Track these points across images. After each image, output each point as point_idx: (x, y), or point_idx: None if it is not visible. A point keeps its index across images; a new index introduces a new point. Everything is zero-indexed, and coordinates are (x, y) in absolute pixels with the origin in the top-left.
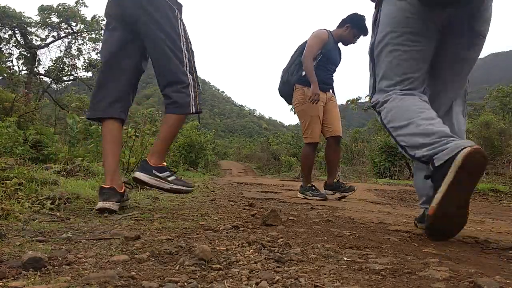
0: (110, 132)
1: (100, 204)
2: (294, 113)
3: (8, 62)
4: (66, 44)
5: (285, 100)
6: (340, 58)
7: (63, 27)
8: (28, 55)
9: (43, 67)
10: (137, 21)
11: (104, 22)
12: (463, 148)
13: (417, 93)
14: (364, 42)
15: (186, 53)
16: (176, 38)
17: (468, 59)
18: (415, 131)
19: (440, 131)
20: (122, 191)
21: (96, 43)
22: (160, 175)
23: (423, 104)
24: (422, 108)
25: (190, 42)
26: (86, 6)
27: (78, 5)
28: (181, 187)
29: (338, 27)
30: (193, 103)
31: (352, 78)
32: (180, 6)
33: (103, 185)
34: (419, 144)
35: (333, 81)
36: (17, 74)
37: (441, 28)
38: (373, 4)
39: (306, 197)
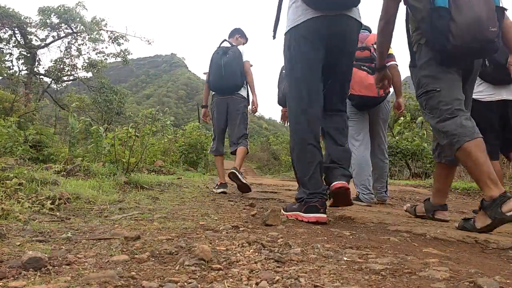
0: None
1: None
2: None
3: (8, 62)
4: (66, 44)
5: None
6: None
7: (62, 27)
8: (28, 55)
9: (43, 67)
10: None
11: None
12: None
13: None
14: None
15: None
16: None
17: None
18: None
19: None
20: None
21: (96, 43)
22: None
23: None
24: None
25: None
26: (86, 9)
27: (78, 7)
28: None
29: None
30: None
31: None
32: None
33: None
34: None
35: None
36: (16, 74)
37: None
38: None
39: None
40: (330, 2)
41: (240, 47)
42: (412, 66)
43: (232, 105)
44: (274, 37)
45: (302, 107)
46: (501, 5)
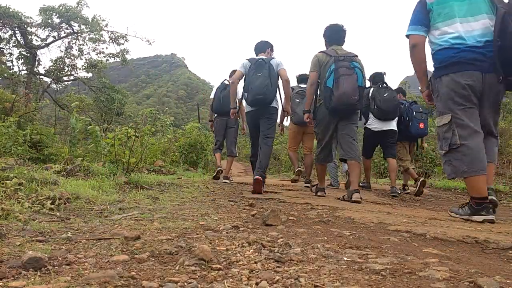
0: None
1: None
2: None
3: (8, 62)
4: (67, 44)
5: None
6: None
7: (63, 27)
8: (28, 55)
9: (43, 67)
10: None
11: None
12: None
13: None
14: (364, 45)
15: None
16: None
17: None
18: None
19: None
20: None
21: (96, 44)
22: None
23: None
24: None
25: None
26: (88, 7)
27: (79, 5)
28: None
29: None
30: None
31: None
32: None
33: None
34: None
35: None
36: (16, 74)
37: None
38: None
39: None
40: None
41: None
42: (314, 116)
43: (225, 124)
44: None
45: None
46: (362, 85)
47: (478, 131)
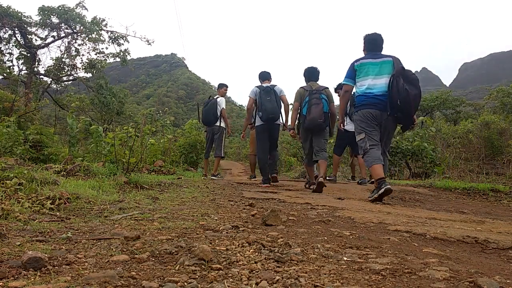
0: None
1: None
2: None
3: (8, 62)
4: (66, 44)
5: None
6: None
7: (63, 27)
8: (28, 55)
9: (43, 67)
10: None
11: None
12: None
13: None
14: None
15: None
16: None
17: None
18: None
19: None
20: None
21: (96, 44)
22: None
23: None
24: None
25: None
26: (86, 10)
27: (78, 7)
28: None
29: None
30: None
31: None
32: None
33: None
34: None
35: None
36: (15, 73)
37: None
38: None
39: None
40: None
41: (218, 98)
42: (296, 132)
43: (212, 132)
44: None
45: None
46: (327, 111)
47: (378, 142)
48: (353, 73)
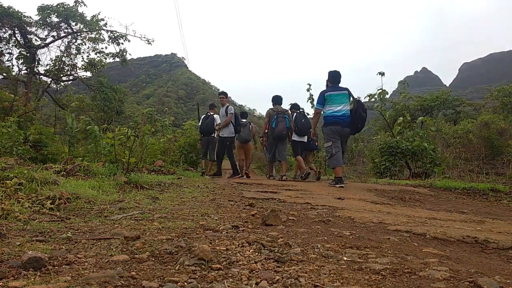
0: None
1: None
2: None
3: (7, 62)
4: (66, 44)
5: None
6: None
7: (62, 27)
8: (28, 55)
9: (43, 67)
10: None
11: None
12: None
13: None
14: (365, 55)
15: None
16: None
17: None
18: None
19: None
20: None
21: (96, 43)
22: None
23: None
24: None
25: None
26: (85, 5)
27: (77, 4)
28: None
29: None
30: None
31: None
32: None
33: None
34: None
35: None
36: (16, 74)
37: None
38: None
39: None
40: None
41: (215, 115)
42: (266, 141)
43: (207, 140)
44: None
45: None
46: (288, 126)
47: (340, 148)
48: (323, 100)
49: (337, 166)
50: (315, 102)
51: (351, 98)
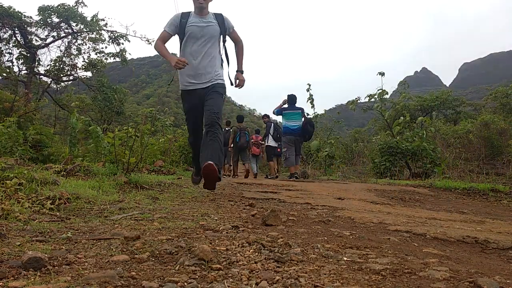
0: None
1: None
2: None
3: (7, 62)
4: (66, 44)
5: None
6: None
7: (63, 27)
8: (28, 55)
9: (43, 67)
10: None
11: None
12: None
13: None
14: (365, 56)
15: None
16: None
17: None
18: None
19: None
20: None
21: (96, 43)
22: None
23: None
24: None
25: None
26: (86, 6)
27: (77, 4)
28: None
29: None
30: None
31: (353, 80)
32: None
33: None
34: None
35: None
36: (14, 72)
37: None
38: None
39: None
40: None
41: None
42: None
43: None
44: None
45: None
46: (248, 140)
47: (294, 153)
48: (281, 112)
49: (291, 166)
50: (313, 103)
51: (303, 118)
